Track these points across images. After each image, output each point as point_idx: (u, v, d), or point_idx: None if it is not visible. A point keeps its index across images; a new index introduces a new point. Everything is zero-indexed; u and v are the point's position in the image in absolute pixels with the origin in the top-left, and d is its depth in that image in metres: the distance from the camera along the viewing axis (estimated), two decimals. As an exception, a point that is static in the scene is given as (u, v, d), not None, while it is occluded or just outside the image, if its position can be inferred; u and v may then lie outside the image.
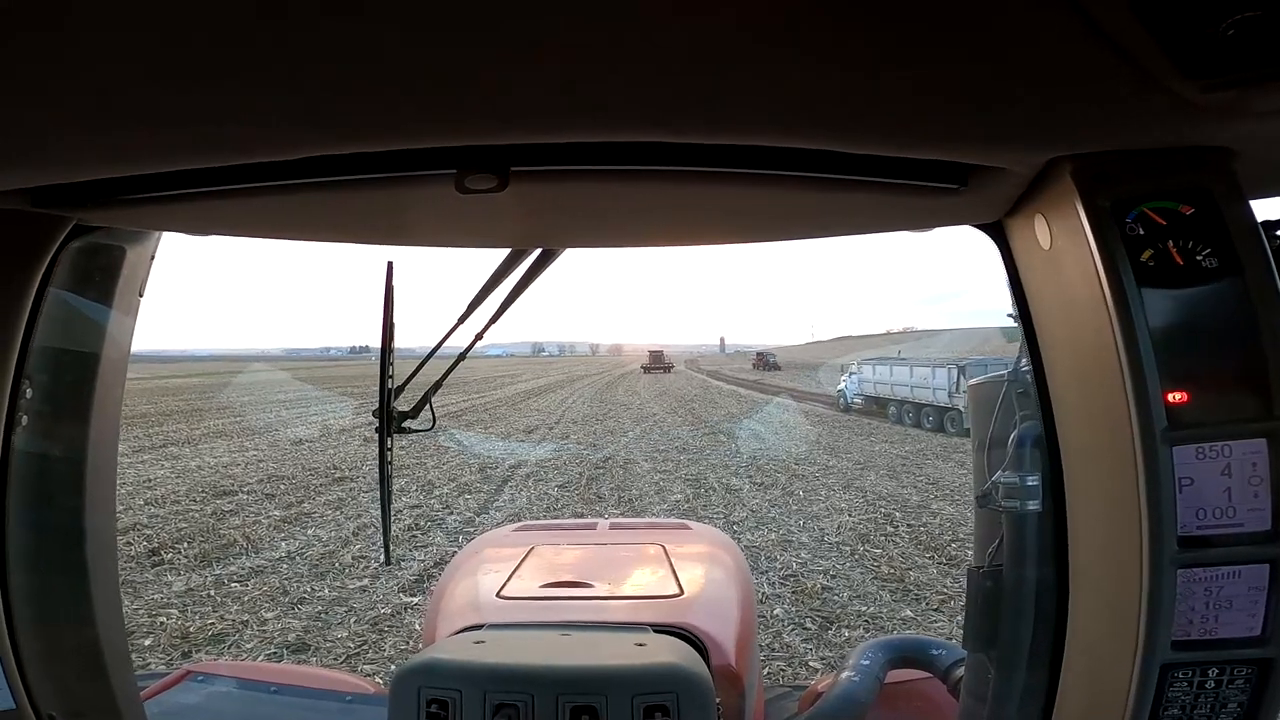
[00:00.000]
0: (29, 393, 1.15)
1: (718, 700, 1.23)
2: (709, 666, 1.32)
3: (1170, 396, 0.84)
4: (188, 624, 6.10)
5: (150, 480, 11.92)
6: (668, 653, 1.24)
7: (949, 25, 0.64)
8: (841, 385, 25.92)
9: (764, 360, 65.20)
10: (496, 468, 13.23)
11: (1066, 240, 0.92)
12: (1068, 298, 0.94)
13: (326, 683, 2.17)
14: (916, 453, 15.00)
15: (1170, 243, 0.84)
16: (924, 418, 19.35)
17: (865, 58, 0.69)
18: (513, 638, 1.37)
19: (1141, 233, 0.85)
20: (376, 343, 1.52)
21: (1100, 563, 0.95)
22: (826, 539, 8.65)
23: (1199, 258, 0.84)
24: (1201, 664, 0.87)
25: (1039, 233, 0.99)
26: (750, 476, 12.41)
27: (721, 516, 9.54)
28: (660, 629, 1.39)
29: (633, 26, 0.63)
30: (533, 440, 17.09)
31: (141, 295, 1.35)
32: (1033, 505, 1.13)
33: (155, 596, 6.71)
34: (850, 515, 9.72)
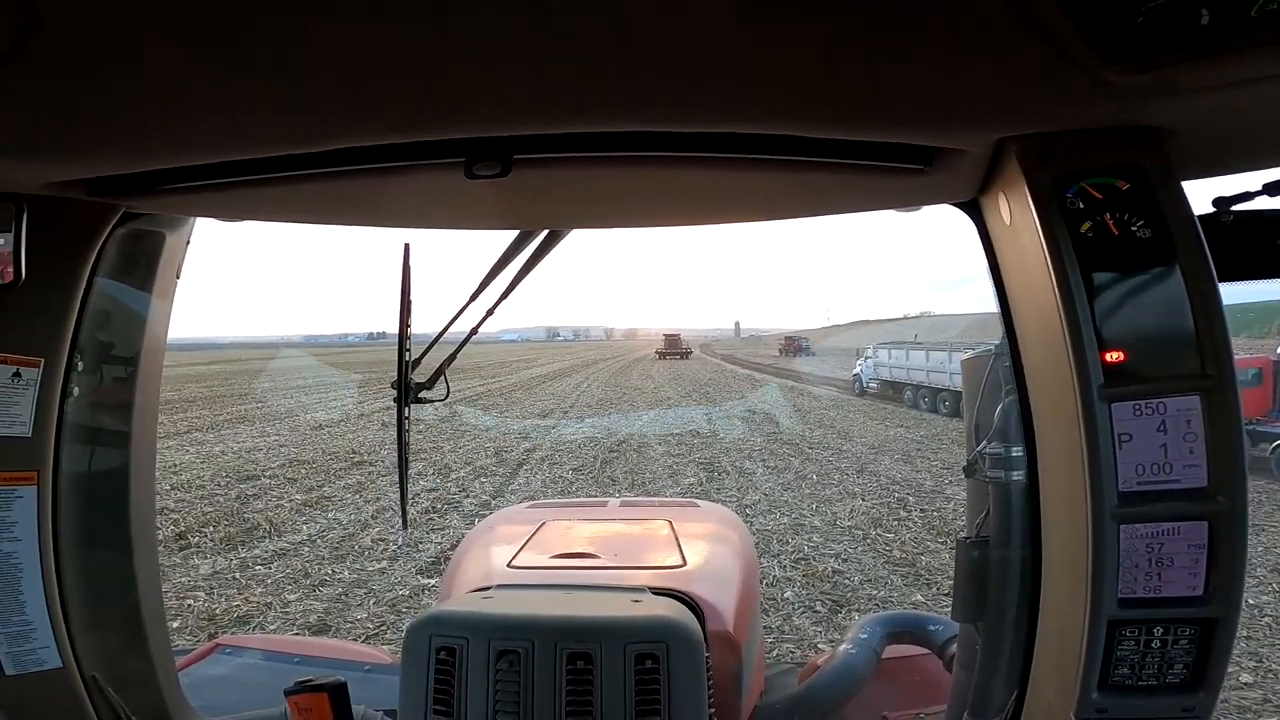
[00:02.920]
0: (80, 365, 1.25)
1: (708, 656, 1.28)
2: (705, 629, 1.37)
3: (1108, 356, 0.88)
4: (214, 606, 6.29)
5: (176, 465, 12.19)
6: (662, 609, 1.31)
7: (895, 14, 0.69)
8: (857, 370, 25.78)
9: (794, 345, 56.77)
10: (511, 451, 13.38)
11: (1021, 215, 0.96)
12: (1024, 267, 0.99)
13: (346, 654, 2.27)
14: (931, 437, 14.92)
15: (1107, 215, 0.89)
16: (939, 402, 19.20)
17: (826, 50, 0.74)
18: (518, 595, 1.45)
19: (1081, 206, 0.90)
20: (393, 328, 1.59)
21: (1059, 522, 0.98)
22: (839, 523, 8.68)
23: (1134, 229, 0.88)
24: (1147, 622, 0.90)
25: (1002, 209, 1.03)
26: (764, 460, 12.44)
27: (734, 500, 9.59)
28: (659, 592, 1.45)
29: (619, 29, 0.70)
30: (547, 424, 17.24)
31: (179, 277, 1.46)
32: (1017, 475, 1.16)
33: (183, 580, 6.90)
34: (863, 499, 9.74)
